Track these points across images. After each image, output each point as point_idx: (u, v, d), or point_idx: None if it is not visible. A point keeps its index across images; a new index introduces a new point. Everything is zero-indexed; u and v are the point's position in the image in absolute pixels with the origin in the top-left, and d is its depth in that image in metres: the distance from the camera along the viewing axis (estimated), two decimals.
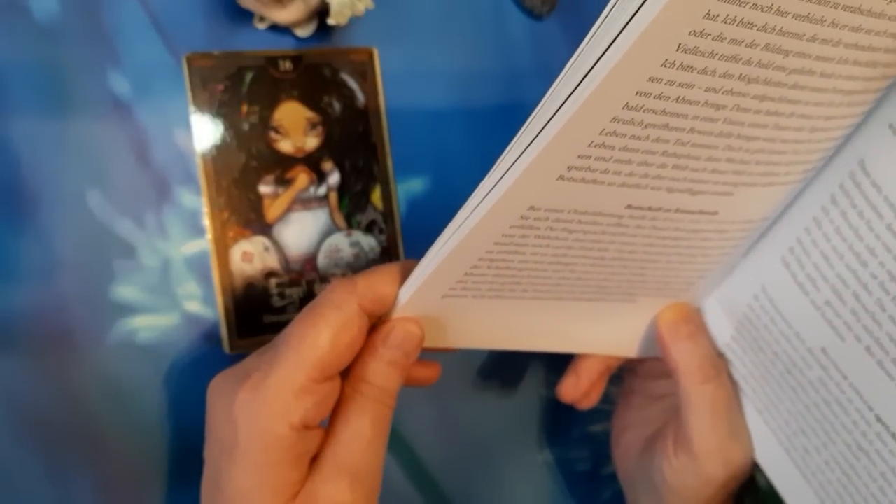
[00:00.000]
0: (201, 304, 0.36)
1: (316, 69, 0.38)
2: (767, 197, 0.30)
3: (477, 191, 0.27)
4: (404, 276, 0.31)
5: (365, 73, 0.38)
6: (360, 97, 0.38)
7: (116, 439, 0.35)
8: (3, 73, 0.33)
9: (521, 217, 0.28)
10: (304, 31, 0.37)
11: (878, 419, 0.30)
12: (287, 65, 0.37)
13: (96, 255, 0.35)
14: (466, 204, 0.27)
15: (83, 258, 0.35)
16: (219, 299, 0.36)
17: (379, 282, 0.30)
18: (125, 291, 0.35)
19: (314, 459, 0.29)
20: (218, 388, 0.29)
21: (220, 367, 0.36)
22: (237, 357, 0.37)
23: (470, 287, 0.31)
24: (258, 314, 0.37)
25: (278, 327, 0.37)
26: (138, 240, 0.35)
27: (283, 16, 0.35)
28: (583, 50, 0.23)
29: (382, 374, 0.30)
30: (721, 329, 0.36)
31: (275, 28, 0.37)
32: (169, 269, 0.36)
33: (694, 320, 0.36)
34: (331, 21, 0.35)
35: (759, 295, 0.34)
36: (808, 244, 0.31)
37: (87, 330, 0.35)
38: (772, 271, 0.33)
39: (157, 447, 0.36)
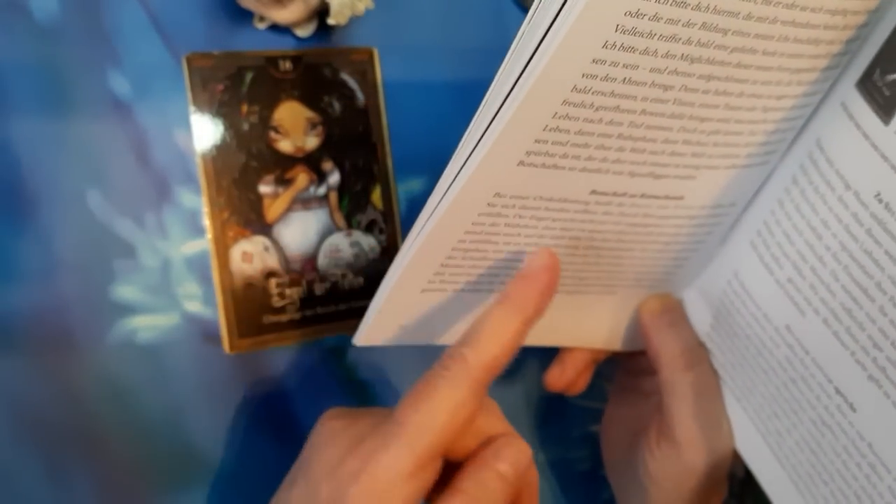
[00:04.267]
0: (201, 304, 0.36)
1: (316, 69, 0.38)
2: (732, 180, 0.31)
3: (442, 178, 0.27)
4: (515, 318, 0.28)
5: (365, 73, 0.38)
6: (360, 97, 0.38)
7: (116, 439, 0.35)
8: (3, 73, 0.33)
9: (489, 204, 0.28)
10: (304, 31, 0.37)
11: (837, 391, 0.31)
12: (287, 65, 0.37)
13: (96, 255, 0.35)
14: (434, 192, 0.28)
15: (83, 258, 0.35)
16: (219, 299, 0.36)
17: (488, 345, 0.28)
18: (125, 291, 0.35)
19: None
20: (329, 435, 0.28)
21: (220, 366, 0.36)
22: (237, 357, 0.37)
23: (448, 280, 0.31)
24: (258, 314, 0.37)
25: (278, 327, 0.37)
26: (138, 240, 0.35)
27: (283, 16, 0.35)
28: (523, 34, 0.24)
29: (490, 489, 0.28)
30: (701, 318, 0.37)
31: (275, 28, 0.37)
32: (169, 269, 0.36)
33: (675, 309, 0.37)
34: (331, 21, 0.35)
35: (731, 280, 0.34)
36: (772, 225, 0.32)
37: (87, 330, 0.35)
38: (742, 256, 0.34)
39: (157, 447, 0.36)
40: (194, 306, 0.36)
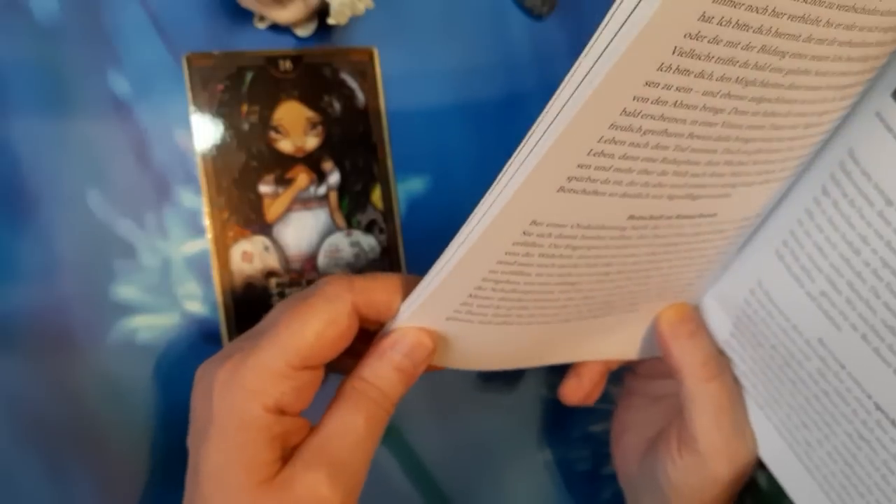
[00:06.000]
0: (201, 304, 0.36)
1: (316, 69, 0.38)
2: (763, 194, 0.31)
3: (480, 205, 0.26)
4: (403, 288, 0.30)
5: (365, 73, 0.38)
6: (360, 97, 0.38)
7: (116, 439, 0.35)
8: (3, 73, 0.33)
9: (524, 233, 0.27)
10: (304, 31, 0.37)
11: (878, 407, 0.30)
12: (287, 65, 0.37)
13: (96, 255, 0.35)
14: (469, 219, 0.27)
15: (83, 258, 0.35)
16: (219, 299, 0.36)
17: (377, 287, 0.30)
18: (125, 291, 0.35)
19: (297, 448, 0.29)
20: (202, 372, 0.29)
21: None
22: None
23: (476, 312, 0.30)
24: (258, 314, 0.37)
25: None
26: (138, 240, 0.35)
27: (283, 16, 0.35)
28: (584, 57, 0.23)
29: (386, 377, 0.30)
30: (720, 326, 0.36)
31: (275, 28, 0.37)
32: (169, 269, 0.36)
33: (694, 319, 0.36)
34: (331, 21, 0.35)
35: (755, 289, 0.34)
36: (801, 236, 0.31)
37: (87, 330, 0.35)
38: (767, 265, 0.33)
39: (157, 447, 0.36)
40: (194, 306, 0.36)
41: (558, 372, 0.39)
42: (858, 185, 0.29)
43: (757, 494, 0.40)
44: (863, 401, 0.31)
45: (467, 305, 0.30)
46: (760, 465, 0.38)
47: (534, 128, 0.24)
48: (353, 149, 0.38)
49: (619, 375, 0.42)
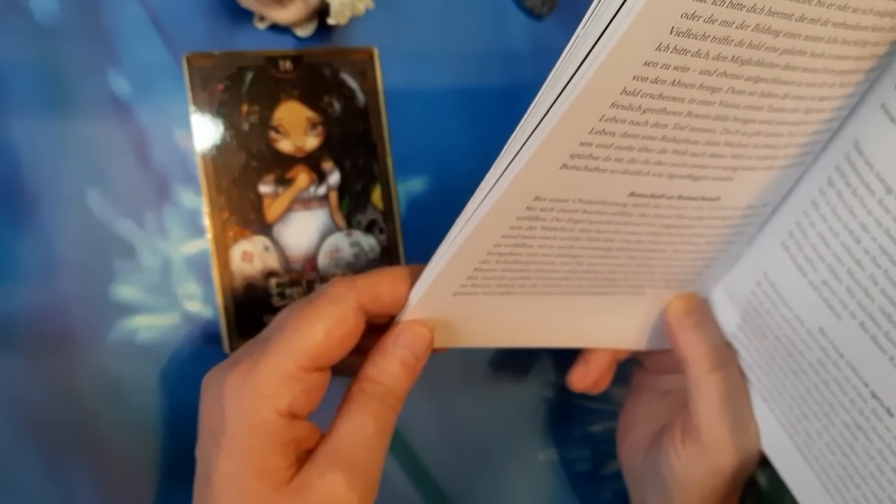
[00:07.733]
0: (201, 304, 0.36)
1: (316, 69, 0.38)
2: (767, 181, 0.31)
3: (483, 183, 0.27)
4: (408, 278, 0.31)
5: (365, 73, 0.38)
6: (360, 97, 0.38)
7: (116, 439, 0.35)
8: (3, 73, 0.33)
9: (528, 208, 0.28)
10: (304, 31, 0.37)
11: (874, 395, 0.31)
12: (287, 65, 0.37)
13: (96, 255, 0.35)
14: (473, 197, 0.28)
15: (83, 258, 0.35)
16: (219, 299, 0.36)
17: (379, 281, 0.30)
18: (125, 291, 0.35)
19: (310, 453, 0.29)
20: (210, 379, 0.29)
21: None
22: None
23: (480, 283, 0.31)
24: (258, 314, 0.37)
25: None
26: (138, 240, 0.35)
27: (283, 16, 0.35)
28: (577, 37, 0.24)
29: (390, 373, 0.30)
30: (728, 318, 0.36)
31: (275, 28, 0.37)
32: (169, 269, 0.36)
33: (701, 310, 0.36)
34: (331, 21, 0.35)
35: (761, 281, 0.34)
36: (806, 227, 0.32)
37: (87, 330, 0.35)
38: (773, 256, 0.33)
39: (157, 447, 0.36)
40: (194, 306, 0.36)
41: (559, 371, 0.39)
42: (861, 175, 0.29)
43: (758, 494, 0.40)
44: (860, 389, 0.31)
45: (472, 279, 0.31)
46: (762, 464, 0.38)
47: (533, 106, 0.25)
48: (353, 149, 0.38)
49: (623, 377, 0.42)
